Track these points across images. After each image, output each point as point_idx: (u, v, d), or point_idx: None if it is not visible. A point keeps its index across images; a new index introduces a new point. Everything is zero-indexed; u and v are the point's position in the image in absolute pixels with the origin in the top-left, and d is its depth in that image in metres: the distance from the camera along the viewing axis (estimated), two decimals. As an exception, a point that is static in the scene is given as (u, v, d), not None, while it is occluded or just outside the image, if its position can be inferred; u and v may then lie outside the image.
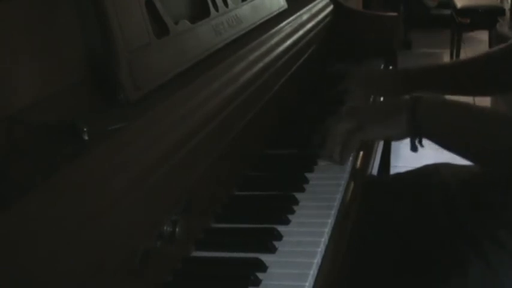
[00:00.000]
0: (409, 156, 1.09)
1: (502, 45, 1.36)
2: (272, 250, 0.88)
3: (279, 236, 0.91)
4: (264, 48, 1.26)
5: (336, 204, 1.01)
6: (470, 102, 1.11)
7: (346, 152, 1.12)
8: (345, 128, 1.11)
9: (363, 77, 1.55)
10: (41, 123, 0.69)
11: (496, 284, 1.03)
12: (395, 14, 2.09)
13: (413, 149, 1.06)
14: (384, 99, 1.49)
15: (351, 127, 1.11)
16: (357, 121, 1.11)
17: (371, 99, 1.52)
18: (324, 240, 0.90)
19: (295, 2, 1.68)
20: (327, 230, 0.93)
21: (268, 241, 0.90)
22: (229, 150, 1.03)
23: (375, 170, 1.38)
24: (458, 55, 4.67)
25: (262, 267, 0.84)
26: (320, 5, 1.85)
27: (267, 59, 1.26)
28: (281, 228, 0.93)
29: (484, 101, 3.51)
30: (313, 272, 0.83)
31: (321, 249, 0.88)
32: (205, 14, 1.15)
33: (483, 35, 5.14)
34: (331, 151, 1.12)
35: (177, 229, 0.80)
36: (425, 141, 1.05)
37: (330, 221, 0.95)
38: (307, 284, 0.80)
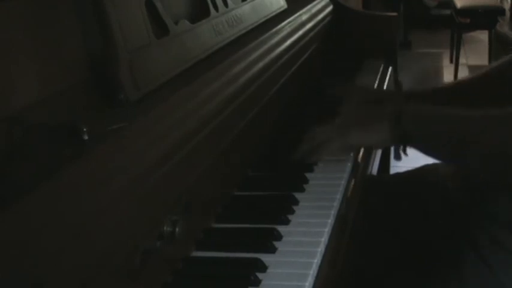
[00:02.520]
0: (409, 156, 1.09)
1: (493, 64, 1.32)
2: (272, 250, 0.88)
3: (279, 236, 0.91)
4: (263, 48, 1.26)
5: (336, 204, 1.01)
6: (462, 108, 1.08)
7: (319, 153, 1.09)
8: (324, 130, 1.09)
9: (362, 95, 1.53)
10: (41, 124, 0.69)
11: (494, 283, 1.03)
12: (395, 14, 2.09)
13: (397, 157, 1.04)
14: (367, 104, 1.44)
15: (330, 130, 1.09)
16: (338, 125, 1.09)
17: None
18: (324, 240, 0.90)
19: (295, 2, 1.68)
20: (327, 230, 0.93)
21: (268, 241, 0.90)
22: (229, 150, 1.03)
23: (374, 170, 1.38)
24: (458, 55, 4.66)
25: (262, 267, 0.84)
26: (320, 5, 1.85)
27: (267, 59, 1.26)
28: (281, 228, 0.93)
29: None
30: (313, 272, 0.83)
31: (320, 249, 0.88)
32: (205, 14, 1.15)
33: (483, 35, 5.14)
34: (304, 152, 1.11)
35: (177, 229, 0.80)
36: None
37: (330, 221, 0.95)
38: (307, 284, 0.80)
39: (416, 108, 1.05)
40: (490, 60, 4.69)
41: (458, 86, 1.38)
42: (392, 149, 1.05)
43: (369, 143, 1.12)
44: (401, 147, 1.03)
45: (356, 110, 1.12)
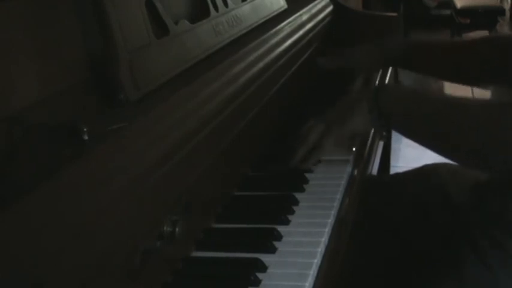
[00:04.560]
0: (409, 157, 1.09)
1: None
2: (272, 250, 0.88)
3: (278, 236, 0.92)
4: (263, 49, 1.26)
5: (336, 204, 1.01)
6: (434, 90, 1.09)
7: (315, 155, 1.12)
8: (315, 132, 1.12)
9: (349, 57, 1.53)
10: (41, 123, 0.69)
11: (494, 283, 1.04)
12: (395, 14, 2.09)
13: (380, 135, 1.05)
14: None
15: (320, 131, 1.11)
16: (326, 124, 1.11)
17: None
18: (323, 240, 0.90)
19: (295, 2, 1.68)
20: (327, 230, 0.93)
21: (268, 241, 0.90)
22: (229, 150, 1.03)
23: (374, 170, 1.38)
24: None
25: (262, 267, 0.84)
26: (320, 5, 1.85)
27: (267, 59, 1.26)
28: (281, 229, 0.93)
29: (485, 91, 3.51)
30: (313, 272, 0.83)
31: (320, 250, 0.88)
32: (205, 14, 1.15)
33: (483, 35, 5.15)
34: (301, 157, 1.13)
35: (177, 229, 0.80)
36: None
37: (330, 221, 0.95)
38: (307, 284, 0.80)
39: (392, 87, 1.06)
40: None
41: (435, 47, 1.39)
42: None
43: (354, 128, 1.13)
44: (384, 128, 1.04)
45: (338, 105, 1.14)
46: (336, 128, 1.10)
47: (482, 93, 3.71)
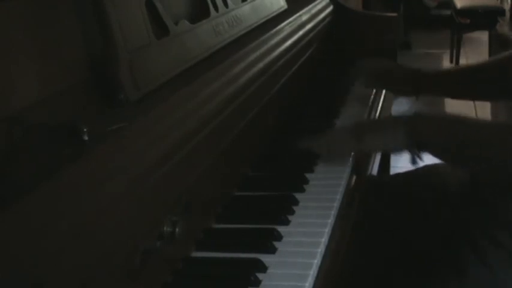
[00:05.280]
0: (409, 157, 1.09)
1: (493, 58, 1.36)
2: (272, 250, 0.88)
3: (279, 237, 0.91)
4: (264, 49, 1.26)
5: (336, 204, 1.01)
6: (470, 116, 1.12)
7: (338, 157, 1.13)
8: (343, 136, 1.13)
9: (373, 68, 1.55)
10: (41, 124, 0.69)
11: (494, 283, 1.03)
12: (395, 14, 2.09)
13: (413, 162, 1.06)
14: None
15: (349, 136, 1.12)
16: (356, 132, 1.12)
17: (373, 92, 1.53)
18: (324, 240, 0.90)
19: (295, 2, 1.68)
20: (327, 230, 0.93)
21: (268, 241, 0.90)
22: (229, 150, 1.03)
23: (374, 170, 1.38)
24: (458, 55, 4.66)
25: (262, 267, 0.84)
26: (320, 6, 1.85)
27: (267, 60, 1.26)
28: (281, 229, 0.93)
29: (485, 106, 3.51)
30: (313, 272, 0.83)
31: (321, 250, 0.88)
32: (205, 14, 1.15)
33: (483, 36, 5.14)
34: (317, 146, 1.14)
35: (177, 229, 0.80)
36: None
37: (330, 221, 0.95)
38: (307, 284, 0.80)
39: (432, 114, 1.08)
40: (490, 61, 4.68)
41: (457, 73, 1.41)
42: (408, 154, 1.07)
43: (384, 148, 1.16)
44: (416, 153, 1.05)
45: (373, 119, 1.16)
46: (369, 142, 1.11)
47: (483, 104, 3.72)
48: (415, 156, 1.06)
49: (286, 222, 0.96)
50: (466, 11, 4.63)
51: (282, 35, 1.40)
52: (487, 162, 1.00)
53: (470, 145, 1.02)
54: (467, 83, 1.39)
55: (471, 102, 3.81)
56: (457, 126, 1.06)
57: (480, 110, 3.77)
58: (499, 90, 1.33)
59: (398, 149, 1.09)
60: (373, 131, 1.11)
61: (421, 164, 1.08)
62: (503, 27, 4.32)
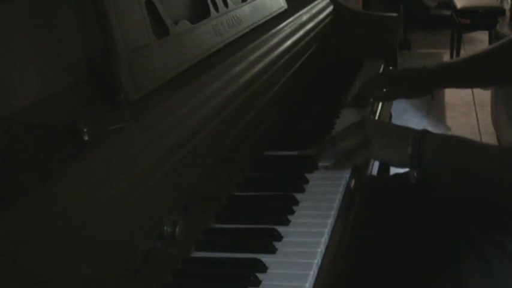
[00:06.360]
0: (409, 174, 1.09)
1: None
2: (272, 251, 0.88)
3: (279, 237, 0.91)
4: (264, 49, 1.26)
5: (336, 204, 1.01)
6: (476, 140, 1.10)
7: (346, 164, 1.13)
8: (352, 142, 1.11)
9: (382, 75, 1.55)
10: (41, 124, 0.69)
11: (494, 283, 1.03)
12: (395, 14, 2.09)
13: (412, 179, 1.06)
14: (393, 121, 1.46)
15: (357, 142, 1.11)
16: (364, 136, 1.10)
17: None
18: (324, 240, 0.90)
19: (295, 2, 1.68)
20: (327, 231, 0.93)
21: (268, 242, 0.90)
22: (229, 150, 1.03)
23: (374, 170, 1.38)
24: (458, 55, 4.66)
25: (262, 267, 0.84)
26: (320, 6, 1.85)
27: (267, 60, 1.26)
28: (281, 229, 0.93)
29: (485, 92, 3.51)
30: (313, 272, 0.83)
31: (321, 250, 0.88)
32: (205, 14, 1.15)
33: (483, 36, 5.14)
34: (326, 156, 1.14)
35: (177, 229, 0.80)
36: None
37: (330, 221, 0.95)
38: (307, 284, 0.80)
39: (439, 136, 1.07)
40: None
41: (463, 63, 1.42)
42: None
43: (388, 159, 1.15)
44: (416, 171, 1.04)
45: (384, 124, 1.15)
46: (374, 150, 1.09)
47: (482, 93, 3.72)
48: (415, 174, 1.05)
49: (286, 222, 0.96)
50: (466, 11, 4.63)
51: (282, 35, 1.40)
52: (492, 185, 0.99)
53: (474, 167, 1.01)
54: (478, 72, 1.39)
55: (472, 107, 3.81)
56: (462, 148, 1.05)
57: (480, 111, 3.77)
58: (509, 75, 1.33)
59: (400, 164, 1.08)
60: (381, 140, 1.09)
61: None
62: (503, 27, 4.31)
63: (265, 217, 0.99)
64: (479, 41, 5.46)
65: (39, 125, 0.69)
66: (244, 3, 1.34)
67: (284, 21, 1.47)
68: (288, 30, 1.46)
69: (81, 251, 0.61)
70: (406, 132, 1.08)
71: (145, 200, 0.74)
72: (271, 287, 0.81)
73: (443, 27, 5.52)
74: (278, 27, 1.41)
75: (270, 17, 1.47)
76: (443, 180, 1.06)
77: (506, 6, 4.68)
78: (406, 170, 1.08)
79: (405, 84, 1.51)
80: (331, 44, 1.91)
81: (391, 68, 1.82)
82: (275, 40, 1.35)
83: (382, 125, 1.19)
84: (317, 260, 0.85)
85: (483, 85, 1.48)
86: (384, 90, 1.53)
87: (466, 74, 1.43)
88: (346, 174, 1.11)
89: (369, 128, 1.12)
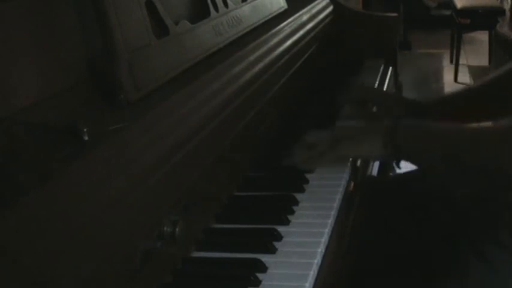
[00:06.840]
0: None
1: (494, 73, 1.32)
2: (272, 251, 0.88)
3: (279, 237, 0.91)
4: (264, 49, 1.26)
5: (336, 204, 1.01)
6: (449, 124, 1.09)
7: (312, 164, 1.11)
8: (316, 140, 1.10)
9: (364, 94, 1.53)
10: (41, 124, 0.69)
11: (495, 283, 1.03)
12: (395, 14, 2.09)
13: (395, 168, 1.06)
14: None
15: (322, 141, 1.10)
16: (333, 136, 1.10)
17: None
18: (324, 240, 0.90)
19: (295, 2, 1.68)
20: (327, 231, 0.93)
21: (268, 242, 0.90)
22: (229, 150, 1.03)
23: (374, 170, 1.38)
24: (458, 55, 4.66)
25: (262, 267, 0.84)
26: (320, 6, 1.85)
27: (267, 60, 1.26)
28: (281, 229, 0.93)
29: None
30: (313, 272, 0.83)
31: (321, 250, 0.88)
32: (205, 14, 1.15)
33: (483, 36, 5.14)
34: (297, 161, 1.12)
35: (177, 229, 0.80)
36: None
37: (330, 221, 0.95)
38: (307, 284, 0.80)
39: (409, 124, 1.06)
40: (490, 61, 4.69)
41: (461, 96, 1.38)
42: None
43: (361, 155, 1.14)
44: (395, 161, 1.04)
45: (354, 124, 1.14)
46: (344, 147, 1.09)
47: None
48: (394, 164, 1.05)
49: (286, 222, 0.96)
50: (466, 11, 4.63)
51: (282, 35, 1.40)
52: (483, 169, 0.99)
53: (462, 150, 1.00)
54: (476, 104, 1.36)
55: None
56: (438, 137, 1.04)
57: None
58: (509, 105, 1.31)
59: (373, 158, 1.08)
60: (350, 137, 1.08)
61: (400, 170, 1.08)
62: (503, 27, 4.31)
63: (265, 217, 0.99)
64: (479, 41, 5.46)
65: (39, 125, 0.69)
66: (244, 3, 1.34)
67: (284, 21, 1.47)
68: (288, 30, 1.46)
69: (81, 251, 0.61)
70: (377, 126, 1.08)
71: (145, 200, 0.74)
72: (271, 287, 0.81)
73: (443, 27, 5.52)
74: (278, 27, 1.41)
75: (270, 17, 1.47)
76: (440, 173, 1.05)
77: (506, 6, 4.67)
78: (406, 170, 1.08)
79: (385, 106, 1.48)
80: (331, 44, 1.91)
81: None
82: (275, 40, 1.35)
83: (351, 124, 1.18)
84: (317, 260, 0.85)
85: (487, 117, 1.44)
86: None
87: (466, 109, 1.40)
88: (346, 174, 1.11)
89: (338, 129, 1.13)
